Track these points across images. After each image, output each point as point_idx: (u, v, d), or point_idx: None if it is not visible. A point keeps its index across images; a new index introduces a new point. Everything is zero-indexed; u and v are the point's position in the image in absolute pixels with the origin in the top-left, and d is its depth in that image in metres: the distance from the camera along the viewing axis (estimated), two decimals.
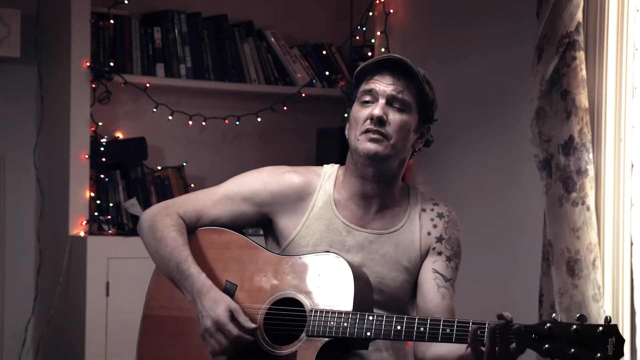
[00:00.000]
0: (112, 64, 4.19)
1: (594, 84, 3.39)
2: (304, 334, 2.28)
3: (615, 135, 3.38)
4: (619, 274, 3.36)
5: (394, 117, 2.40)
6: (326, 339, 2.26)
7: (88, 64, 4.10)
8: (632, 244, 3.35)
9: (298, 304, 2.33)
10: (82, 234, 4.05)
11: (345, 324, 2.25)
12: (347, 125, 2.48)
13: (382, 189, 2.45)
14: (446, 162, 4.26)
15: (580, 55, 3.32)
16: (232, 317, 2.30)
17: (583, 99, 3.32)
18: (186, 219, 2.48)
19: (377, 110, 2.39)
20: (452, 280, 2.49)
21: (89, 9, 4.10)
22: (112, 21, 4.23)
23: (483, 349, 2.12)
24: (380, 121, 2.38)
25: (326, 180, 2.50)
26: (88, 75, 4.10)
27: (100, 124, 4.19)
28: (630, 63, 3.37)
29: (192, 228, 2.49)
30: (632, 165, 3.36)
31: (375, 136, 2.38)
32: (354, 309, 2.27)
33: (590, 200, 3.31)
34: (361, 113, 2.42)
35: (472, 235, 4.10)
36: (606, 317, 2.08)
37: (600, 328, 2.04)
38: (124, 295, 3.91)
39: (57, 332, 4.17)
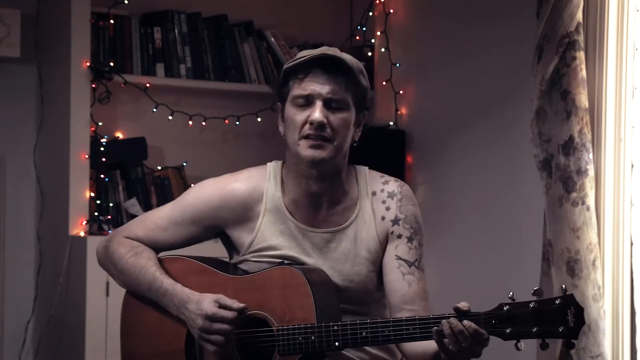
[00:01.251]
0: (112, 64, 4.19)
1: (594, 84, 3.39)
2: (276, 353, 2.27)
3: (615, 135, 3.38)
4: (619, 274, 3.36)
5: (334, 117, 2.32)
6: (299, 355, 2.25)
7: (88, 64, 4.10)
8: (632, 244, 3.35)
9: (265, 323, 2.31)
10: (82, 234, 4.05)
11: (312, 338, 2.24)
12: (281, 122, 2.39)
13: (329, 186, 2.38)
14: (446, 162, 4.26)
15: (580, 55, 3.32)
16: (220, 305, 2.28)
17: (583, 99, 3.32)
18: (140, 242, 2.46)
19: (317, 114, 2.29)
20: (418, 260, 2.39)
21: (89, 9, 4.10)
22: (112, 21, 4.23)
23: (451, 347, 2.12)
24: (321, 126, 2.29)
25: (271, 181, 2.42)
26: (88, 75, 4.10)
27: (100, 124, 4.19)
28: (630, 63, 3.37)
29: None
30: (632, 165, 3.36)
31: (317, 142, 2.30)
32: (317, 318, 2.25)
33: (590, 200, 3.31)
34: (298, 117, 2.32)
35: (472, 235, 4.11)
36: (561, 287, 2.09)
37: (558, 301, 2.05)
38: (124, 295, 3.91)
39: (57, 332, 4.16)
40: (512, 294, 2.10)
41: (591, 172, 3.32)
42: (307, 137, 2.31)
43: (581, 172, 3.31)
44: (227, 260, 2.51)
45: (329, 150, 2.31)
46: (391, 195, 2.41)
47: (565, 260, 3.31)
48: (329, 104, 2.32)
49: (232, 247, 2.48)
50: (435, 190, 4.34)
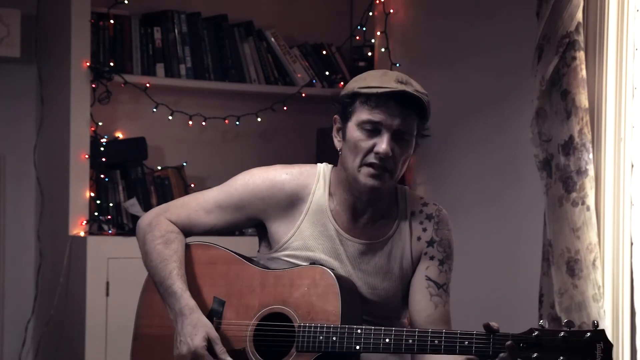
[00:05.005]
0: (112, 64, 4.19)
1: (594, 84, 3.39)
2: (294, 349, 2.28)
3: (615, 135, 3.38)
4: (619, 274, 3.36)
5: (399, 151, 2.32)
6: (317, 354, 2.27)
7: (88, 64, 4.10)
8: (632, 244, 3.35)
9: (287, 318, 2.32)
10: (82, 234, 4.05)
11: (334, 338, 2.25)
12: (337, 136, 2.40)
13: (373, 204, 2.41)
14: (446, 162, 4.26)
15: (580, 55, 3.32)
16: (210, 347, 2.27)
17: (583, 99, 3.32)
18: (179, 226, 2.46)
19: (384, 146, 2.30)
20: (446, 284, 2.42)
21: (89, 9, 4.10)
22: (112, 21, 4.23)
23: None
24: (386, 158, 2.31)
25: (320, 182, 2.44)
26: (88, 75, 4.10)
27: (100, 124, 4.19)
28: (630, 63, 3.37)
29: (186, 233, 2.47)
30: (632, 165, 3.36)
31: (378, 172, 2.32)
32: (342, 321, 2.26)
33: (590, 200, 3.31)
34: (364, 143, 2.32)
35: (472, 236, 4.11)
36: (593, 322, 2.10)
37: (588, 334, 2.05)
38: (124, 295, 3.90)
39: (57, 332, 4.17)
40: (543, 322, 2.11)
41: (591, 172, 3.32)
42: (369, 165, 2.32)
43: (581, 172, 3.31)
44: (255, 254, 2.52)
45: (387, 180, 2.34)
46: (429, 217, 2.44)
47: (565, 260, 3.31)
48: (396, 136, 2.32)
49: (266, 240, 2.48)
50: (435, 190, 4.34)
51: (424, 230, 2.43)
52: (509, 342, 2.09)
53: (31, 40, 4.27)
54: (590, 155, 3.32)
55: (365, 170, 2.32)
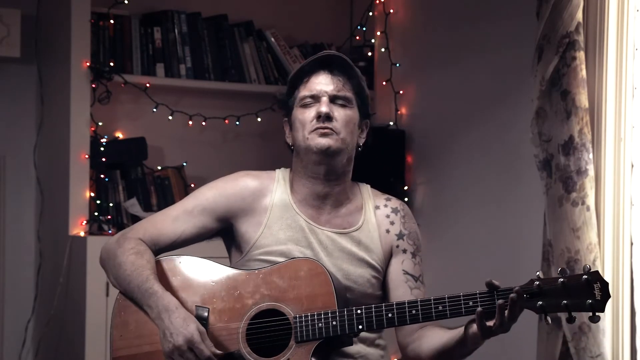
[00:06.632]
0: (112, 64, 4.19)
1: (594, 84, 3.39)
2: (292, 341, 2.29)
3: (615, 135, 3.38)
4: (619, 274, 3.36)
5: (339, 113, 2.44)
6: (317, 341, 2.28)
7: (88, 64, 4.10)
8: (632, 244, 3.35)
9: (278, 313, 2.33)
10: (82, 234, 4.05)
11: (334, 322, 2.28)
12: (289, 132, 2.50)
13: (334, 187, 2.48)
14: (446, 162, 4.26)
15: (580, 55, 3.32)
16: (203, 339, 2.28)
17: (583, 99, 3.32)
18: (147, 240, 2.47)
19: (323, 107, 2.42)
20: (421, 276, 2.51)
21: (89, 9, 4.10)
22: (112, 21, 4.23)
23: (489, 323, 2.21)
24: (328, 117, 2.41)
25: (279, 183, 2.51)
26: (88, 75, 4.10)
27: (100, 124, 4.19)
28: (630, 63, 3.37)
29: (154, 249, 2.47)
30: (632, 165, 3.36)
31: (325, 131, 2.42)
32: (338, 306, 2.30)
33: (590, 200, 3.31)
34: (306, 115, 2.44)
35: (471, 235, 4.11)
36: (585, 266, 2.20)
37: (585, 277, 2.18)
38: None
39: (57, 332, 4.17)
40: (540, 273, 2.24)
41: (591, 172, 3.32)
42: (315, 129, 2.42)
43: (581, 172, 3.31)
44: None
45: (335, 139, 2.42)
46: (395, 211, 2.53)
47: (565, 260, 3.31)
48: (334, 101, 2.44)
49: (236, 245, 2.50)
50: (435, 190, 4.34)
51: (392, 223, 2.51)
52: (516, 289, 2.21)
53: (31, 40, 4.27)
54: (590, 155, 3.32)
55: (313, 134, 2.42)
